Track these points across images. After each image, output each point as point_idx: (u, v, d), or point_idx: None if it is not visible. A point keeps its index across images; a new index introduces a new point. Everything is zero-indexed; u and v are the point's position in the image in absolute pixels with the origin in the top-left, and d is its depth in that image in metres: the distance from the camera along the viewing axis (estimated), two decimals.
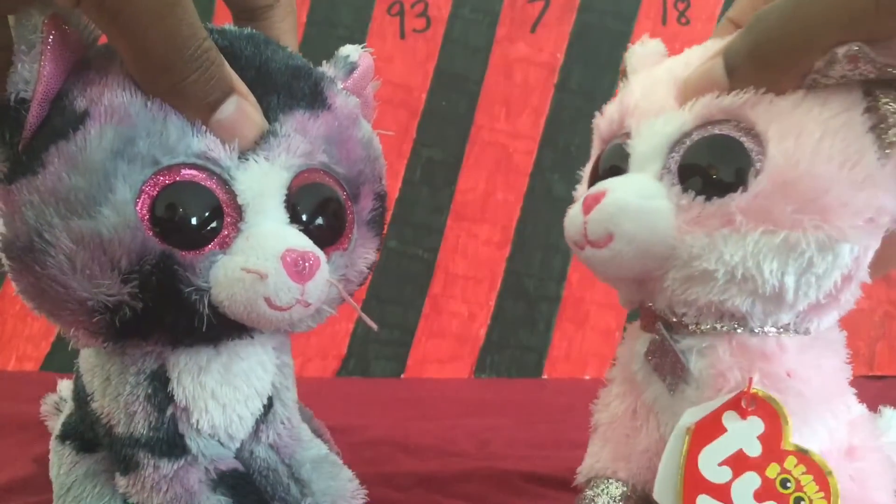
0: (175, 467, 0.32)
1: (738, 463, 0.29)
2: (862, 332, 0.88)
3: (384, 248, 0.93)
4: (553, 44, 0.95)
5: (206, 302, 0.28)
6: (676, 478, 0.30)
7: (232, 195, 0.29)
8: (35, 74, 0.26)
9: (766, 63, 0.28)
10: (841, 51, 0.26)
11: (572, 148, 0.95)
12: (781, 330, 0.30)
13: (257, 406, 0.34)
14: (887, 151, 0.27)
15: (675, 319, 0.32)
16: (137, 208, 0.27)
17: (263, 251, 0.28)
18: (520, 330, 0.93)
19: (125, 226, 0.26)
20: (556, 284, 0.93)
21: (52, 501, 0.36)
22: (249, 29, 0.33)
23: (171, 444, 0.32)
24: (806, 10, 0.26)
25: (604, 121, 0.35)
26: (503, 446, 0.58)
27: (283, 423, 0.36)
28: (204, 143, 0.28)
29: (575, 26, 0.95)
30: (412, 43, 0.96)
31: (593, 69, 0.95)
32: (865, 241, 0.28)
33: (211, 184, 0.28)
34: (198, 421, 0.32)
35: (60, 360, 0.88)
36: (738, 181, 0.28)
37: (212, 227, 0.28)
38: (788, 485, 0.29)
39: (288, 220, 0.30)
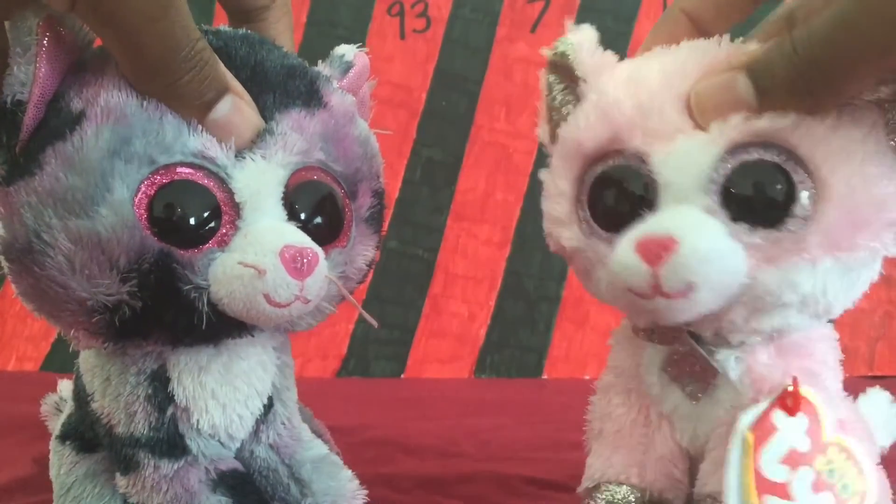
0: (175, 467, 0.32)
1: (793, 460, 0.30)
2: (862, 332, 0.88)
3: (384, 248, 0.93)
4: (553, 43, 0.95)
5: (205, 300, 0.28)
6: (745, 484, 0.30)
7: (229, 193, 0.29)
8: (31, 77, 0.26)
9: (809, 92, 0.27)
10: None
11: None
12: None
13: (257, 406, 0.34)
14: None
15: (710, 334, 0.32)
16: (135, 207, 0.27)
17: (262, 247, 0.28)
18: (520, 330, 0.93)
19: (123, 225, 0.26)
20: (556, 284, 0.93)
21: (52, 501, 0.36)
22: (244, 30, 0.33)
23: (171, 444, 0.32)
24: (858, 36, 0.25)
25: (587, 135, 0.31)
26: (503, 447, 0.58)
27: (283, 423, 0.36)
28: (200, 141, 0.28)
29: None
30: (412, 43, 0.96)
31: None
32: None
33: (208, 182, 0.28)
34: (198, 421, 0.32)
35: (60, 360, 0.88)
36: (789, 209, 0.28)
37: (210, 226, 0.28)
38: (834, 474, 0.29)
39: (286, 217, 0.30)
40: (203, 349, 0.32)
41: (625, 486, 0.35)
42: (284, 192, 0.30)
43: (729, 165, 0.28)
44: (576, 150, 0.32)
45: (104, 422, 0.33)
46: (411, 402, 0.76)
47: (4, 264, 0.28)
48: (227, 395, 0.33)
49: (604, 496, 0.35)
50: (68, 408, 0.38)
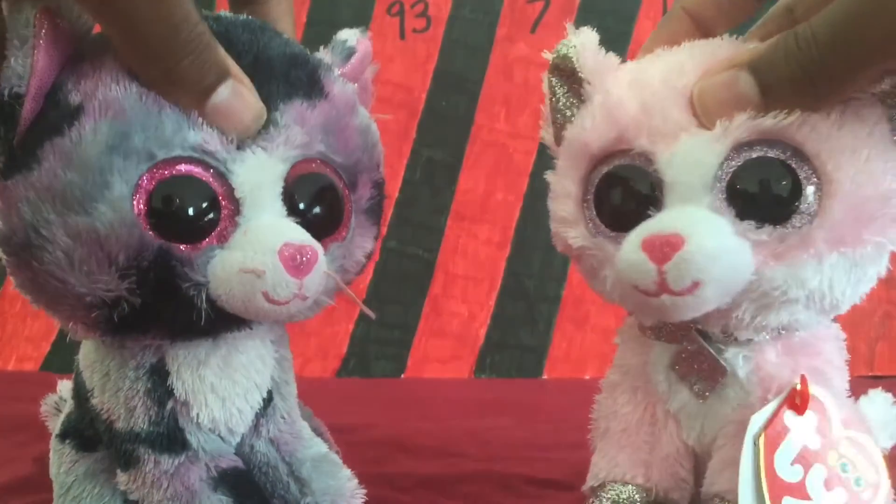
0: (176, 463, 0.32)
1: (806, 458, 0.30)
2: (862, 332, 0.88)
3: (384, 248, 0.93)
4: (553, 44, 0.95)
5: (203, 297, 0.28)
6: (759, 487, 0.30)
7: (229, 188, 0.29)
8: (28, 69, 0.26)
9: (813, 89, 0.27)
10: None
11: None
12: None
13: (257, 400, 0.34)
14: None
15: (719, 332, 0.32)
16: (134, 204, 0.27)
17: (261, 246, 0.28)
18: (520, 330, 0.93)
19: (122, 222, 0.26)
20: (556, 284, 0.93)
21: (52, 501, 0.36)
22: (245, 15, 0.33)
23: (171, 438, 0.32)
24: (863, 31, 0.25)
25: (592, 136, 0.32)
26: (503, 446, 0.58)
27: (283, 417, 0.36)
28: (200, 135, 0.28)
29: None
30: (412, 43, 0.96)
31: None
32: None
33: (208, 177, 0.28)
34: (198, 415, 0.32)
35: (60, 360, 0.88)
36: (795, 206, 0.28)
37: (209, 221, 0.28)
38: (847, 468, 0.30)
39: (285, 212, 0.30)
40: (201, 343, 0.32)
41: (630, 486, 0.35)
42: (284, 186, 0.30)
43: (734, 163, 0.28)
44: (582, 150, 0.32)
45: (104, 417, 0.33)
46: (411, 402, 0.76)
47: (3, 257, 0.28)
48: (227, 389, 0.33)
49: (609, 495, 0.35)
50: (68, 406, 0.38)
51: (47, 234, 0.26)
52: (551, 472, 0.50)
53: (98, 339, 0.30)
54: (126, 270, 0.27)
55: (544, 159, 0.99)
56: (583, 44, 0.33)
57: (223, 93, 0.28)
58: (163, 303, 0.28)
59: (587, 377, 0.90)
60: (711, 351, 0.32)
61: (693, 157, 0.29)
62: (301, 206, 0.30)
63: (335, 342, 0.92)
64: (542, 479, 0.49)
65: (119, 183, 0.26)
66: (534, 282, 0.94)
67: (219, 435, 0.34)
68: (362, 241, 0.34)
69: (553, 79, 0.34)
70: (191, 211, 0.28)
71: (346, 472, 0.38)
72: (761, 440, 0.30)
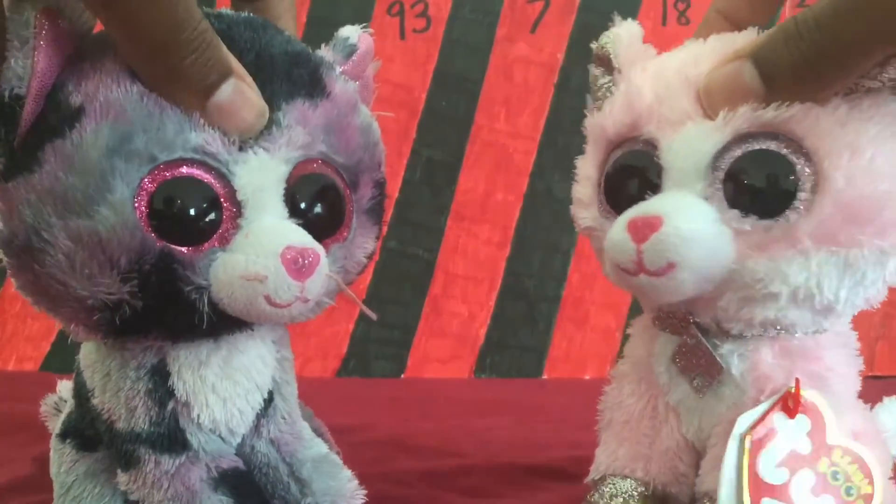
0: (176, 463, 0.32)
1: (793, 462, 0.30)
2: (862, 332, 0.88)
3: (384, 248, 0.93)
4: (553, 44, 0.95)
5: (205, 300, 0.28)
6: (740, 486, 0.30)
7: (231, 190, 0.28)
8: (29, 70, 0.26)
9: (816, 74, 0.27)
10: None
11: (572, 148, 0.93)
12: (818, 330, 0.31)
13: (258, 400, 0.34)
14: None
15: (712, 324, 0.32)
16: (135, 207, 0.27)
17: (263, 249, 0.28)
18: (520, 330, 0.93)
19: (123, 225, 0.26)
20: (556, 284, 0.93)
21: (52, 501, 0.36)
22: (247, 13, 0.32)
23: (172, 439, 0.32)
24: (861, 20, 0.25)
25: (609, 122, 0.33)
26: (503, 446, 0.58)
27: (283, 417, 0.36)
28: (202, 137, 0.28)
29: (575, 26, 0.95)
30: (412, 43, 0.96)
31: None
32: None
33: (209, 178, 0.28)
34: (198, 415, 0.32)
35: (60, 360, 0.88)
36: (789, 200, 0.28)
37: (211, 223, 0.28)
38: (839, 476, 0.29)
39: (287, 214, 0.30)
40: (203, 343, 0.32)
41: (629, 480, 0.35)
42: (286, 188, 0.30)
43: (734, 153, 0.29)
44: (601, 135, 0.34)
45: (104, 418, 0.33)
46: (411, 402, 0.76)
47: (4, 259, 0.28)
48: (228, 390, 0.33)
49: (608, 489, 0.35)
50: (68, 406, 0.38)
51: (48, 237, 0.26)
52: (553, 465, 0.50)
53: (99, 340, 0.30)
54: (128, 273, 0.27)
55: (544, 159, 0.99)
56: (620, 34, 0.35)
57: (226, 91, 0.28)
58: (164, 305, 0.28)
59: (587, 377, 0.90)
60: (709, 347, 0.32)
61: (690, 145, 0.29)
62: (302, 206, 0.30)
63: (335, 342, 0.92)
64: (543, 472, 0.49)
65: (120, 185, 0.26)
66: (534, 282, 0.94)
67: (219, 435, 0.34)
68: (363, 242, 0.34)
69: (596, 69, 0.36)
70: (192, 213, 0.28)
71: (347, 472, 0.38)
72: (748, 439, 0.30)
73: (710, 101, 0.29)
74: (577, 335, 0.92)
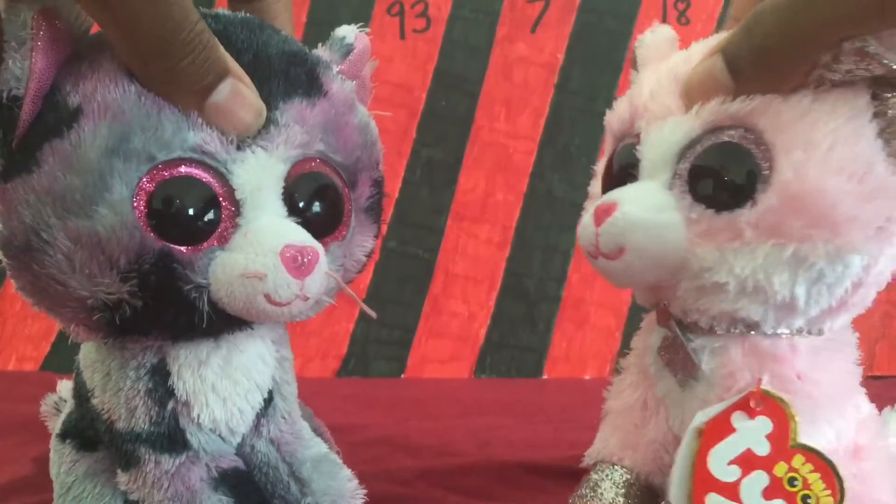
0: (176, 463, 0.32)
1: (747, 462, 0.29)
2: (862, 332, 0.88)
3: (384, 247, 0.93)
4: (553, 44, 0.95)
5: (205, 299, 0.28)
6: (688, 478, 0.30)
7: (229, 189, 0.28)
8: (26, 71, 0.26)
9: (771, 62, 0.27)
10: (847, 45, 0.25)
11: (572, 148, 0.94)
12: (794, 332, 0.31)
13: (258, 400, 0.34)
14: None
15: (689, 321, 0.32)
16: (134, 206, 0.27)
17: (262, 248, 0.28)
18: (520, 330, 0.93)
19: (123, 225, 0.26)
20: (556, 284, 0.93)
21: (52, 501, 0.36)
22: (243, 13, 0.32)
23: (172, 438, 0.32)
24: (809, 6, 0.25)
25: (615, 118, 0.34)
26: (503, 446, 0.58)
27: (283, 417, 0.36)
28: (200, 136, 0.28)
29: (575, 26, 0.95)
30: (412, 43, 0.96)
31: (593, 69, 0.95)
32: (876, 251, 0.28)
33: (208, 178, 0.28)
34: (199, 415, 0.32)
35: (60, 360, 0.88)
36: (748, 191, 0.28)
37: (210, 222, 0.28)
38: (796, 483, 0.29)
39: (286, 212, 0.30)
40: (202, 343, 0.32)
41: (618, 468, 0.35)
42: (284, 186, 0.30)
43: (702, 146, 0.29)
44: (609, 132, 0.35)
45: (105, 417, 0.33)
46: (411, 402, 0.76)
47: (3, 260, 0.28)
48: (228, 389, 0.33)
49: (596, 475, 0.36)
50: (68, 406, 0.38)
51: (48, 238, 0.26)
52: (553, 465, 0.50)
53: (100, 341, 0.30)
54: (127, 273, 0.27)
55: (544, 159, 0.99)
56: (646, 38, 0.36)
57: (223, 91, 0.28)
58: (164, 305, 0.28)
59: (587, 377, 0.90)
60: (684, 342, 0.32)
61: (661, 137, 0.30)
62: (301, 205, 0.30)
63: (335, 342, 0.92)
64: (542, 471, 0.49)
65: (119, 185, 0.26)
66: (534, 282, 0.94)
67: (219, 435, 0.34)
68: (362, 240, 0.34)
69: (633, 71, 0.37)
70: (191, 212, 0.28)
71: (347, 472, 0.38)
72: (701, 433, 0.30)
73: (689, 95, 0.30)
74: (577, 335, 0.92)
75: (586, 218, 0.32)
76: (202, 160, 0.28)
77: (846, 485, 0.29)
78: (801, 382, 0.30)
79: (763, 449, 0.29)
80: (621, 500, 0.35)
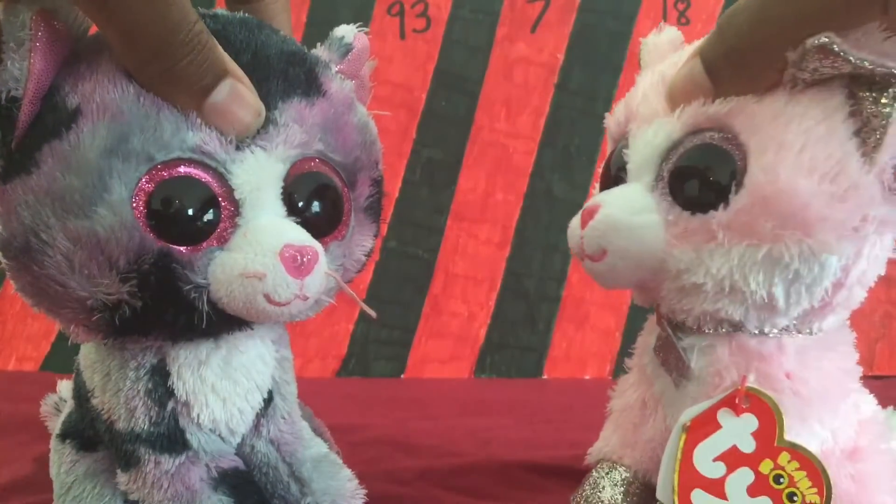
0: (176, 463, 0.32)
1: (732, 459, 0.30)
2: (862, 332, 0.88)
3: (384, 247, 0.93)
4: (553, 44, 0.95)
5: (205, 299, 0.28)
6: (673, 473, 0.30)
7: (228, 189, 0.29)
8: (25, 72, 0.26)
9: (743, 62, 0.27)
10: (810, 42, 0.25)
11: (572, 148, 0.94)
12: (782, 331, 0.31)
13: (257, 400, 0.34)
14: (872, 156, 0.26)
15: (678, 320, 0.32)
16: (133, 207, 0.27)
17: (261, 247, 0.28)
18: (520, 330, 0.93)
19: (122, 225, 0.26)
20: (556, 284, 0.93)
21: (52, 501, 0.36)
22: (242, 13, 0.32)
23: (171, 439, 0.32)
24: (774, 5, 0.26)
25: (613, 121, 0.35)
26: (503, 446, 0.58)
27: (283, 417, 0.36)
28: (199, 136, 0.28)
29: (575, 26, 0.95)
30: (412, 43, 0.96)
31: (593, 69, 0.95)
32: (852, 250, 0.28)
33: (207, 178, 0.28)
34: (198, 415, 0.32)
35: (60, 360, 0.88)
36: (725, 192, 0.28)
37: (209, 222, 0.28)
38: (781, 480, 0.29)
39: (285, 212, 0.30)
40: (202, 343, 0.32)
41: (618, 466, 0.36)
42: (283, 186, 0.30)
43: (684, 147, 0.30)
44: (609, 134, 0.36)
45: (104, 418, 0.33)
46: (411, 402, 0.76)
47: (3, 261, 0.28)
48: (227, 389, 0.33)
49: (596, 473, 0.36)
50: (68, 406, 0.38)
51: (47, 238, 0.26)
52: (553, 465, 0.50)
53: (100, 341, 0.30)
54: (127, 273, 0.27)
55: (544, 159, 0.99)
56: (653, 40, 0.36)
57: (222, 92, 0.28)
58: (164, 305, 0.28)
59: (587, 377, 0.90)
60: (675, 341, 0.32)
61: (644, 140, 0.31)
62: (300, 205, 0.30)
63: (335, 342, 0.92)
64: (542, 471, 0.50)
65: (118, 186, 0.26)
66: (534, 282, 0.94)
67: (219, 435, 0.34)
68: (362, 240, 0.34)
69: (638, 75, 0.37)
70: (190, 212, 0.28)
71: (347, 472, 0.38)
72: (686, 429, 0.30)
73: (673, 98, 0.30)
74: (577, 335, 0.92)
75: (574, 220, 0.33)
76: (201, 160, 0.28)
77: (833, 483, 0.29)
78: (788, 381, 0.30)
79: (748, 446, 0.30)
80: (620, 497, 0.35)
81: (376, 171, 0.35)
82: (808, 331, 0.31)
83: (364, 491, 0.37)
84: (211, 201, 0.28)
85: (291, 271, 0.28)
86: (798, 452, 0.29)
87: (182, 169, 0.28)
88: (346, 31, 0.35)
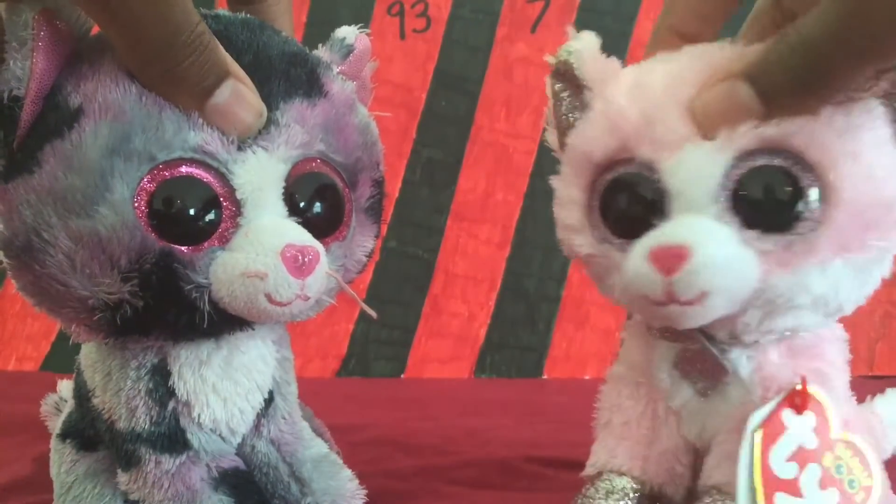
0: (177, 463, 0.32)
1: (801, 457, 0.30)
2: (862, 332, 0.88)
3: (384, 247, 0.93)
4: (553, 44, 0.95)
5: (206, 299, 0.28)
6: (754, 481, 0.30)
7: (230, 189, 0.29)
8: (27, 72, 0.26)
9: (811, 92, 0.27)
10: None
11: None
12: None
13: (258, 400, 0.34)
14: None
15: (725, 335, 0.32)
16: (135, 206, 0.27)
17: (263, 247, 0.28)
18: (520, 330, 0.93)
19: (123, 225, 0.26)
20: (556, 284, 0.93)
21: (52, 501, 0.37)
22: (244, 14, 0.32)
23: (172, 438, 0.32)
24: (851, 35, 0.25)
25: (594, 145, 0.32)
26: (503, 446, 0.58)
27: (284, 417, 0.36)
28: (201, 136, 0.28)
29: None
30: (412, 43, 0.96)
31: None
32: None
33: (209, 178, 0.28)
34: (199, 415, 0.32)
35: (60, 360, 0.88)
36: (798, 214, 0.28)
37: (210, 222, 0.28)
38: (842, 470, 0.30)
39: (286, 213, 0.30)
40: (203, 343, 0.32)
41: (625, 478, 0.35)
42: (285, 186, 0.30)
43: (738, 172, 0.28)
44: (585, 159, 0.32)
45: (105, 417, 0.33)
46: (411, 402, 0.76)
47: (4, 260, 0.28)
48: (228, 389, 0.33)
49: (604, 485, 0.35)
50: (69, 406, 0.38)
51: (49, 238, 0.26)
52: (552, 464, 0.50)
53: (101, 341, 0.30)
54: (128, 273, 0.27)
55: (544, 159, 0.99)
56: (583, 48, 0.33)
57: (224, 93, 0.28)
58: (165, 305, 0.28)
59: (587, 377, 0.90)
60: (714, 351, 0.32)
61: (697, 167, 0.29)
62: (302, 205, 0.30)
63: (335, 342, 0.92)
64: (541, 460, 0.50)
65: (120, 185, 0.26)
66: (534, 282, 0.94)
67: (220, 435, 0.34)
68: (363, 240, 0.34)
69: (555, 83, 0.34)
70: (192, 212, 0.28)
71: (347, 472, 0.38)
72: (758, 435, 0.30)
73: (708, 121, 0.29)
74: (577, 335, 0.92)
75: (639, 266, 0.29)
76: (203, 160, 0.28)
77: (878, 466, 0.31)
78: (832, 374, 0.32)
79: (812, 443, 0.30)
80: None
81: (377, 172, 0.35)
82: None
83: (364, 491, 0.37)
84: (212, 201, 0.28)
85: (293, 271, 0.28)
86: (850, 441, 0.31)
87: (184, 169, 0.28)
88: (348, 33, 0.35)
